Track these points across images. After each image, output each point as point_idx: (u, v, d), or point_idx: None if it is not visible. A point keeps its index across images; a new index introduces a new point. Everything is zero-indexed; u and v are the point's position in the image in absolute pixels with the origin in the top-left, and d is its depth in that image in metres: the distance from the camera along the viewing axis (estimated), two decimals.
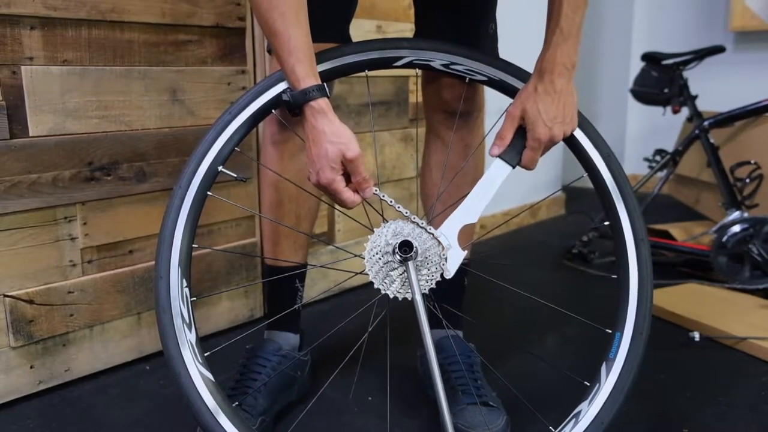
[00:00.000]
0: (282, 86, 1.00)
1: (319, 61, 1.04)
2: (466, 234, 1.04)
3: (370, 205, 1.01)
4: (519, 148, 1.02)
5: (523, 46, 1.44)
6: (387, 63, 1.07)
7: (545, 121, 0.99)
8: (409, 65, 1.07)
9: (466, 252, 1.01)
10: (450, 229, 1.01)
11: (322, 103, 0.94)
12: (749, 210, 2.05)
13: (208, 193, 1.03)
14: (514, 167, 1.03)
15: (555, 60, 0.97)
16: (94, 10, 1.28)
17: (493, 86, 1.09)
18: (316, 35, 1.11)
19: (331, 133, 0.93)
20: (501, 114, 1.08)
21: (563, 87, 0.98)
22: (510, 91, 1.07)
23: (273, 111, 1.04)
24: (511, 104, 1.03)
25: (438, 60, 1.07)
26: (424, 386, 1.31)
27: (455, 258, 1.00)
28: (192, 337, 0.99)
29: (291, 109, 0.96)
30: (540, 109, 0.98)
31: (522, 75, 1.06)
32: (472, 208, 1.02)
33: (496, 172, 1.02)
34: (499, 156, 1.03)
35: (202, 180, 1.01)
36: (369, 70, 1.07)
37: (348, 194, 0.95)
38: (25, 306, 1.26)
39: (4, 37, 1.18)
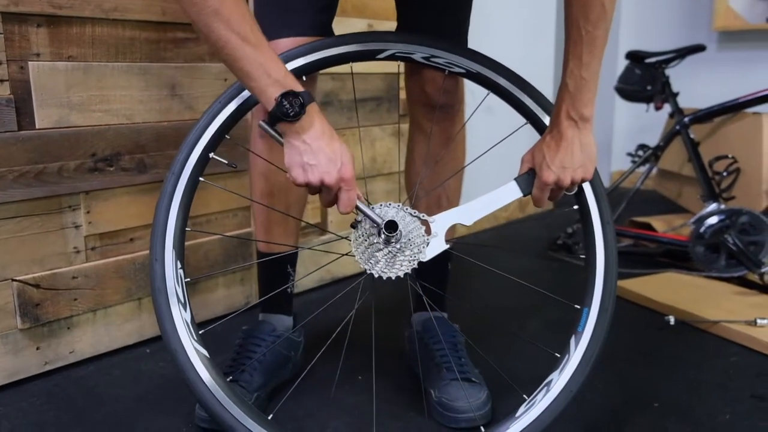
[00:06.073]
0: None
1: (302, 54, 1.07)
2: (451, 229, 1.08)
3: (360, 199, 1.06)
4: (534, 182, 1.06)
5: (498, 41, 1.50)
6: (370, 55, 1.10)
7: (549, 164, 1.01)
8: (392, 57, 1.11)
9: (447, 245, 1.04)
10: (443, 220, 1.04)
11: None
12: (726, 202, 2.12)
13: (201, 179, 1.07)
14: (523, 195, 1.06)
15: (561, 115, 1.00)
16: (98, 8, 1.34)
17: (471, 78, 1.13)
18: (299, 29, 1.15)
19: (331, 130, 0.97)
20: (478, 104, 1.13)
21: (574, 136, 1.00)
22: (486, 83, 1.11)
23: None
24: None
25: (419, 53, 1.10)
26: (411, 364, 1.38)
27: (436, 247, 1.03)
28: (187, 316, 1.03)
29: (293, 114, 0.91)
30: (546, 155, 1.01)
31: (498, 68, 1.10)
32: (471, 212, 1.05)
33: (507, 191, 1.06)
34: (516, 179, 1.06)
35: (194, 166, 1.05)
36: (352, 62, 1.10)
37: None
38: (32, 290, 1.32)
39: (12, 34, 1.24)
